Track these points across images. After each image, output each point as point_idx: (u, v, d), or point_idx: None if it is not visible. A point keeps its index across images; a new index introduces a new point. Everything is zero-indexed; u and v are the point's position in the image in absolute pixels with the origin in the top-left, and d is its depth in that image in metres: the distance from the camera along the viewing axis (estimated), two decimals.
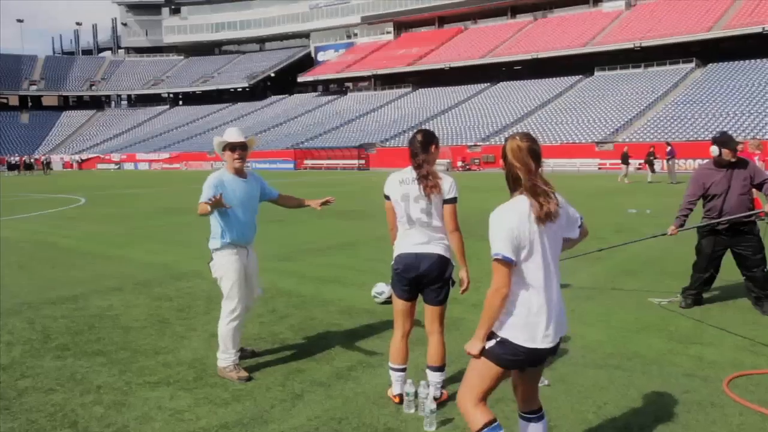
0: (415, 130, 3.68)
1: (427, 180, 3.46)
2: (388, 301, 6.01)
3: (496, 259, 2.40)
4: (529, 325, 2.44)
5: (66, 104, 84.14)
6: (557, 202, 2.50)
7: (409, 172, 3.54)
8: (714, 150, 5.56)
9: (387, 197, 3.63)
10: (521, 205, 2.44)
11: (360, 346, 4.79)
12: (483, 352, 2.50)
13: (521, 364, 2.54)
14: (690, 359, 4.35)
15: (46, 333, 5.23)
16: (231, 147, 4.28)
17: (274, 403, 3.73)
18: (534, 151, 2.48)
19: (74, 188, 28.13)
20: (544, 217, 2.42)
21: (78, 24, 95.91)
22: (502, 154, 2.56)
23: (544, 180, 2.49)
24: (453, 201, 3.48)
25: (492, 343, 2.48)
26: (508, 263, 2.39)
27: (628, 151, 26.50)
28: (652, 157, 25.36)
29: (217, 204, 3.97)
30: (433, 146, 3.55)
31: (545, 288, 2.46)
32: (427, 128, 3.70)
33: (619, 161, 26.93)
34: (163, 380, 4.12)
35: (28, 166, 53.93)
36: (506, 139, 2.54)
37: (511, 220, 2.41)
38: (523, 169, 2.45)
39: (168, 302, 6.28)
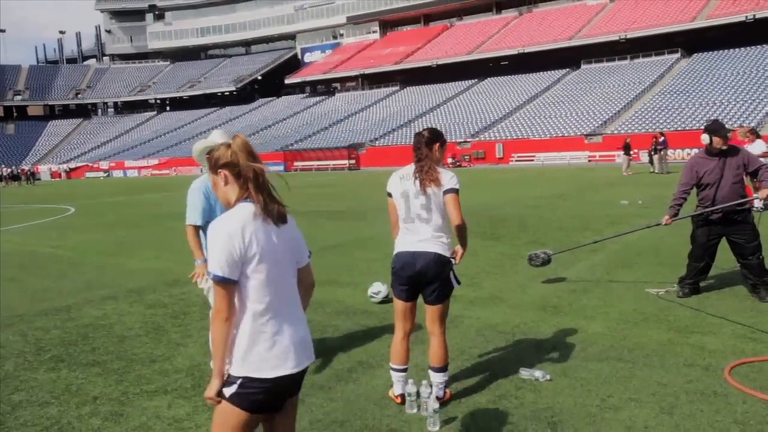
0: (424, 128, 3.67)
1: (424, 174, 3.42)
2: (385, 301, 5.97)
3: (214, 280, 2.07)
4: (269, 350, 2.11)
5: (52, 113, 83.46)
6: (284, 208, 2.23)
7: (409, 169, 3.51)
8: (705, 138, 5.57)
9: (389, 194, 3.59)
10: (246, 210, 2.13)
11: (358, 347, 4.75)
12: (226, 397, 2.14)
13: (270, 403, 2.16)
14: (691, 348, 4.34)
15: (39, 345, 5.15)
16: None
17: None
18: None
19: (63, 198, 27.86)
20: (273, 219, 2.15)
21: (61, 32, 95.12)
22: (223, 160, 2.18)
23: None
24: (451, 191, 3.40)
25: (233, 389, 2.12)
26: (227, 283, 2.06)
27: (630, 142, 26.20)
28: (658, 147, 24.12)
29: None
30: (438, 144, 3.51)
31: (282, 303, 2.17)
32: (436, 128, 3.64)
33: (610, 153, 26.70)
34: (160, 389, 4.06)
35: (15, 177, 53.46)
36: (234, 138, 2.21)
37: (231, 231, 2.07)
38: (248, 165, 2.16)
39: (162, 309, 6.20)
